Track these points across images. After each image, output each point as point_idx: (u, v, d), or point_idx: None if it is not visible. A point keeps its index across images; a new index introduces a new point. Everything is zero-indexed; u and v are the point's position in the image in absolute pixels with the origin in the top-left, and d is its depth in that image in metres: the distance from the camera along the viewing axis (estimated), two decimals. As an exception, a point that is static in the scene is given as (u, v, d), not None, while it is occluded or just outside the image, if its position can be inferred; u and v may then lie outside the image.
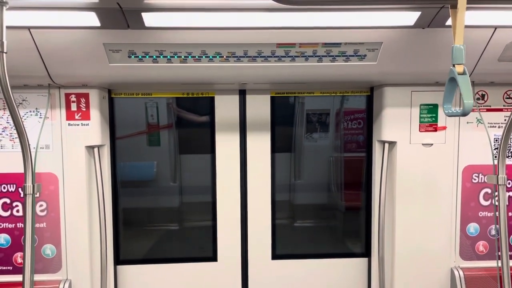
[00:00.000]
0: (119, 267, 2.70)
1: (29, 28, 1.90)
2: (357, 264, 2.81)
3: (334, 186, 3.03)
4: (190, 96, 2.66)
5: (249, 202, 2.71)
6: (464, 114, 1.39)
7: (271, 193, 2.73)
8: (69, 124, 2.37)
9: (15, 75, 1.83)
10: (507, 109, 2.51)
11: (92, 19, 1.81)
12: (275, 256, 2.77)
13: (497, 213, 2.09)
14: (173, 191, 2.93)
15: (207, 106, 2.68)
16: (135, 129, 2.81)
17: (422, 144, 2.48)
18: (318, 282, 2.79)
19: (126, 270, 2.70)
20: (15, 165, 2.32)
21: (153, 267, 2.72)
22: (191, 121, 2.82)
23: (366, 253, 2.80)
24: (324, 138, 2.99)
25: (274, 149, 2.73)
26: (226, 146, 2.67)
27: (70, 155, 2.38)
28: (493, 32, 2.02)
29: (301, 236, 2.99)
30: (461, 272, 2.51)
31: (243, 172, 2.69)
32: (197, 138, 2.83)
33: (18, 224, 2.40)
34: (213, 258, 2.73)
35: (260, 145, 2.69)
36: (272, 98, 2.67)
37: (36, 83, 2.29)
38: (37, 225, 2.38)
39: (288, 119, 2.89)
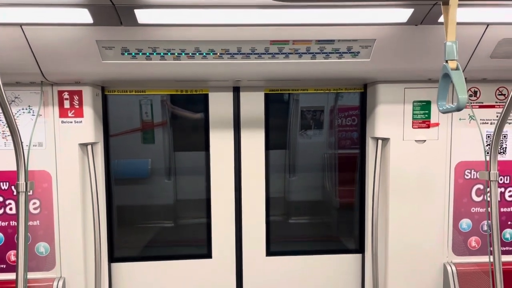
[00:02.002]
0: (113, 264, 2.70)
1: (21, 25, 1.88)
2: (351, 260, 2.82)
3: (328, 183, 3.04)
4: (184, 93, 2.65)
5: (243, 199, 2.72)
6: (459, 109, 1.40)
7: (265, 190, 2.73)
8: (62, 122, 2.36)
9: (7, 73, 1.82)
10: (499, 105, 2.52)
11: (84, 16, 1.80)
12: (270, 252, 2.78)
13: (489, 208, 2.11)
14: (167, 189, 2.93)
15: (202, 103, 2.68)
16: (129, 126, 2.80)
17: (415, 140, 2.49)
18: (313, 278, 2.81)
19: (121, 268, 2.70)
20: (8, 163, 2.31)
21: (148, 265, 2.71)
22: (185, 119, 2.81)
23: (359, 249, 2.82)
24: (318, 135, 3.00)
25: (268, 146, 2.73)
26: (220, 143, 2.67)
27: (64, 152, 2.37)
28: (485, 29, 2.03)
29: (296, 233, 3.00)
30: (453, 268, 2.53)
31: (237, 169, 2.70)
32: (192, 136, 2.82)
33: (11, 222, 2.39)
34: (207, 255, 2.74)
35: (254, 142, 2.69)
36: (266, 95, 2.68)
37: (28, 81, 2.27)
38: (30, 223, 2.37)
39: (283, 116, 2.89)
